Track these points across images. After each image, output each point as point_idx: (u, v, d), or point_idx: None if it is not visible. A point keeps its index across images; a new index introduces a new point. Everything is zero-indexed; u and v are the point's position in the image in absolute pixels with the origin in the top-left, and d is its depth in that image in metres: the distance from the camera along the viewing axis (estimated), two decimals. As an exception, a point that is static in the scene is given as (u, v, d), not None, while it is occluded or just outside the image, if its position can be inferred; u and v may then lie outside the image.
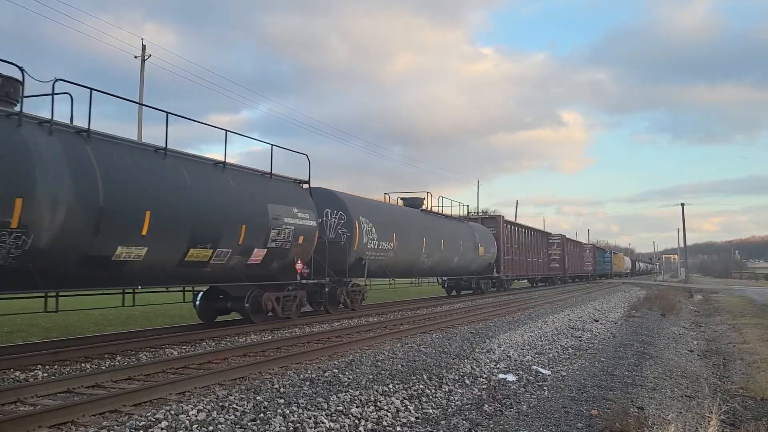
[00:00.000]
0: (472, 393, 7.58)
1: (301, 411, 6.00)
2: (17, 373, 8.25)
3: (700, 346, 14.78)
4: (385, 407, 6.52)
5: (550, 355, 10.80)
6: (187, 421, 5.53)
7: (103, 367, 8.83)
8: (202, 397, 6.53)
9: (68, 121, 9.65)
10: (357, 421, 5.99)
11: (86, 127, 9.53)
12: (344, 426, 5.83)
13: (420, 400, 6.98)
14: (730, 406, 7.88)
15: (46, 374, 8.32)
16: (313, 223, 15.16)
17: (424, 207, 24.92)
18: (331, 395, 6.66)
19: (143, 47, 31.07)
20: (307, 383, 7.23)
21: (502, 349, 10.72)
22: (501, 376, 8.60)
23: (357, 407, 6.35)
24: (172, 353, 10.30)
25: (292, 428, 5.57)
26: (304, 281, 15.18)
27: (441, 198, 28.16)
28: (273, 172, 14.27)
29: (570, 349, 11.66)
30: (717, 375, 11.03)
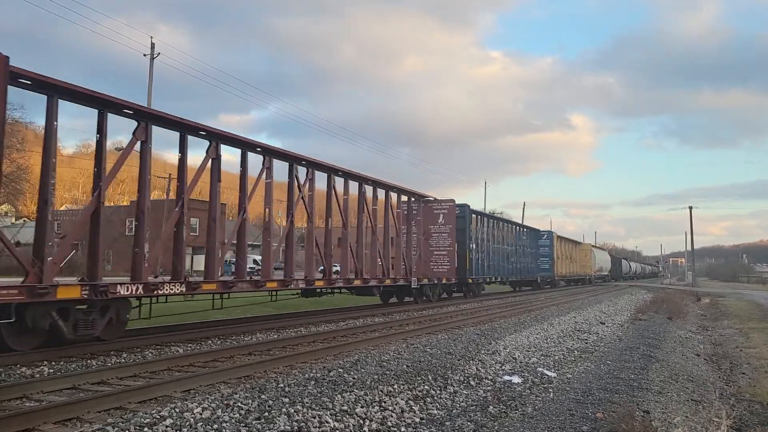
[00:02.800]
0: (477, 394, 7.56)
1: (305, 410, 5.99)
2: (23, 369, 8.29)
3: (706, 350, 14.70)
4: (390, 407, 6.51)
5: (556, 357, 10.75)
6: (192, 419, 5.53)
7: (109, 364, 8.86)
8: (207, 395, 6.54)
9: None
10: (361, 421, 5.99)
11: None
12: (349, 426, 5.82)
13: (425, 401, 6.97)
14: (736, 410, 7.84)
15: (52, 370, 8.35)
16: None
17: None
18: (336, 395, 6.65)
19: (152, 45, 31.24)
20: (312, 382, 7.22)
21: (508, 350, 10.69)
22: (506, 377, 8.58)
23: (362, 407, 6.34)
24: (177, 351, 10.32)
25: (296, 427, 5.56)
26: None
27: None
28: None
29: (576, 351, 11.61)
30: (724, 379, 10.96)
